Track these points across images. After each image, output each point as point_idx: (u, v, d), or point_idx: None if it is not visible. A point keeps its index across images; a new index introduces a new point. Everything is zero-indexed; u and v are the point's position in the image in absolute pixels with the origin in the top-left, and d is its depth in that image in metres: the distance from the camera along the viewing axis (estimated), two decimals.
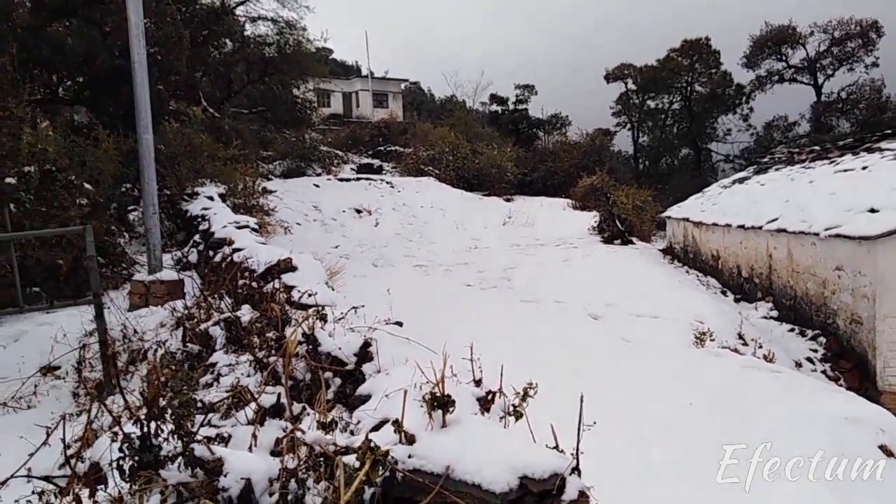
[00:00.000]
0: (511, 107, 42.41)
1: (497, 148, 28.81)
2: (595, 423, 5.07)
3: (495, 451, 2.76)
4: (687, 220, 15.85)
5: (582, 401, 2.81)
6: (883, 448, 5.11)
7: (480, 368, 3.63)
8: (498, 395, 3.43)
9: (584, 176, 25.19)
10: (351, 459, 2.56)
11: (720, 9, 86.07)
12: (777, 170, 15.22)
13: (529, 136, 41.01)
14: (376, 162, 28.50)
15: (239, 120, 18.42)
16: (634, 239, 17.24)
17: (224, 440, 3.13)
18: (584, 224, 18.64)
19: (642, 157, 42.33)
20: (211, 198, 9.71)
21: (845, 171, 11.51)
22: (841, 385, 8.39)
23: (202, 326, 4.76)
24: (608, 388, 6.03)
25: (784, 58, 35.75)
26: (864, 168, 11.02)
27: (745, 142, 38.05)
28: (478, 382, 3.58)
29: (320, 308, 4.38)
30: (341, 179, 21.62)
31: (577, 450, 2.78)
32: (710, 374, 6.68)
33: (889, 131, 12.86)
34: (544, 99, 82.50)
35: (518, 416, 3.38)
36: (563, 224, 19.55)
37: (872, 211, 8.80)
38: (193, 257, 7.80)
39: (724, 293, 12.52)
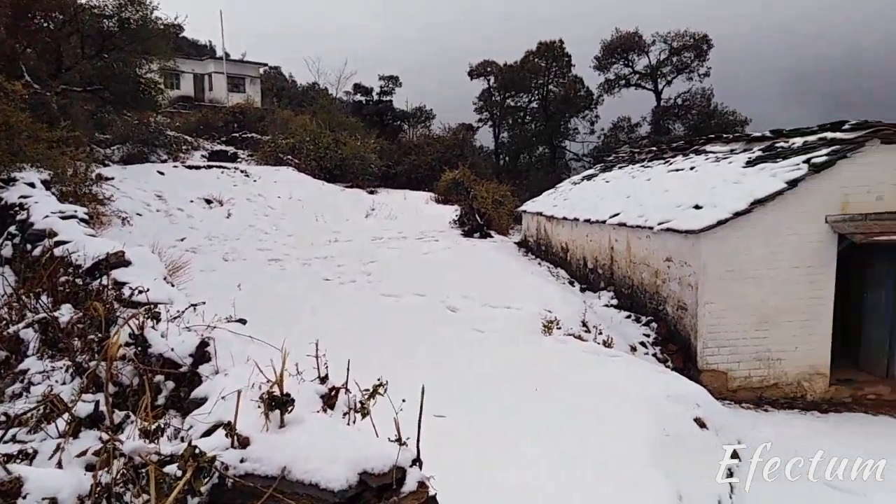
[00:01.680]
0: (375, 98, 42.21)
1: (361, 139, 28.52)
2: (445, 415, 5.18)
3: (336, 448, 2.70)
4: (540, 214, 16.68)
5: (423, 393, 2.82)
6: (697, 420, 5.69)
7: (326, 365, 3.54)
8: (343, 391, 3.36)
9: (446, 170, 25.65)
10: (176, 468, 2.38)
11: (584, 14, 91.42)
12: (620, 168, 16.45)
13: (394, 129, 41.08)
14: (230, 149, 27.05)
15: (71, 98, 16.60)
16: (493, 232, 17.85)
17: (29, 456, 2.79)
18: (446, 217, 18.99)
19: (503, 152, 43.96)
20: (32, 184, 8.64)
21: (677, 170, 12.68)
22: (668, 366, 9.26)
23: (11, 329, 4.22)
24: (462, 379, 6.17)
25: (630, 64, 38.77)
26: (691, 168, 12.20)
27: (594, 141, 40.83)
28: (323, 379, 3.49)
29: (152, 306, 4.04)
30: (190, 167, 20.28)
31: (418, 441, 2.80)
32: (554, 360, 7.06)
33: (713, 136, 14.36)
34: (409, 92, 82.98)
35: (364, 412, 3.34)
36: (426, 217, 19.79)
37: (697, 207, 9.76)
38: (8, 251, 6.91)
39: (571, 283, 13.34)
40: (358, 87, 42.88)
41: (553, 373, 6.60)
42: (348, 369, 3.42)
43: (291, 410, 2.85)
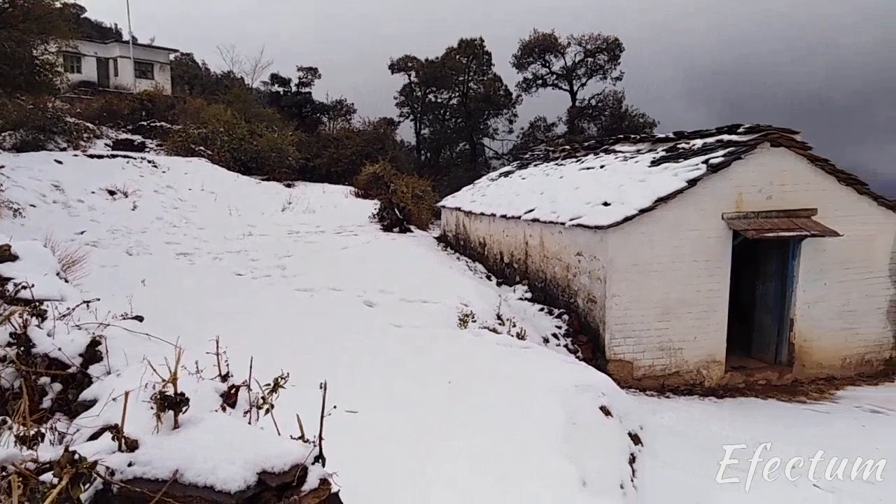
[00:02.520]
0: (294, 89, 41.21)
1: (278, 131, 27.79)
2: (357, 411, 5.14)
3: (235, 448, 2.62)
4: (459, 209, 16.85)
5: (324, 388, 2.79)
6: (603, 409, 5.92)
7: (227, 363, 3.43)
8: (244, 388, 3.27)
9: (367, 164, 25.44)
10: (52, 475, 2.24)
11: (501, 14, 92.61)
12: (536, 165, 16.86)
13: (313, 121, 40.29)
14: (137, 138, 25.68)
15: None
16: (413, 227, 17.87)
17: None
18: (366, 212, 18.84)
19: (424, 148, 44.06)
20: None
21: (588, 168, 13.12)
22: (579, 356, 9.59)
23: None
24: (377, 373, 6.14)
25: (547, 64, 39.75)
26: (601, 167, 12.66)
27: (513, 140, 41.64)
28: (224, 377, 3.38)
29: (38, 303, 3.78)
30: (92, 156, 19.08)
31: (320, 438, 2.76)
32: (469, 352, 7.16)
33: (622, 136, 14.95)
34: (329, 84, 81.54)
35: (267, 408, 3.27)
36: (345, 211, 19.55)
37: (606, 204, 10.14)
38: None
39: (488, 278, 13.56)
40: (275, 78, 41.75)
41: (467, 365, 6.68)
42: (251, 366, 3.33)
43: (186, 410, 2.74)
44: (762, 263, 10.77)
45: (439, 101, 42.36)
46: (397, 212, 17.24)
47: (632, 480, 5.33)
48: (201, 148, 24.09)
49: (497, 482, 4.14)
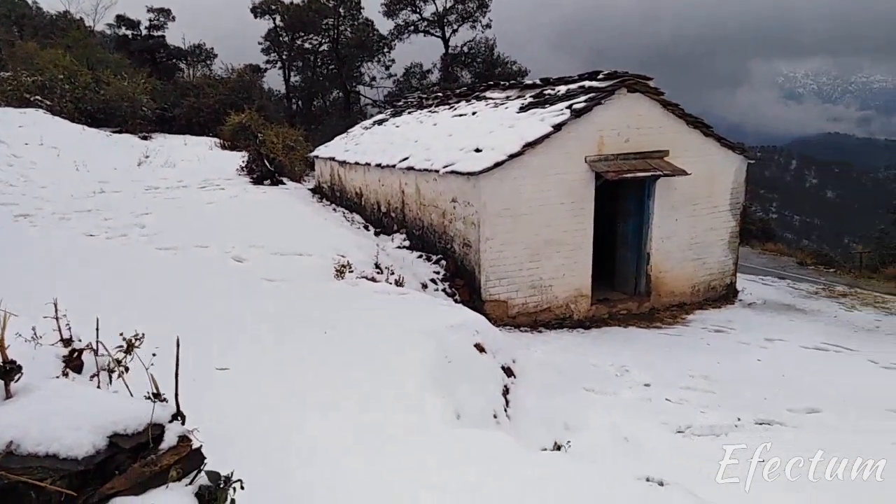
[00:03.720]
0: (144, 32, 37.64)
1: (128, 78, 25.37)
2: (228, 367, 4.95)
3: (79, 413, 2.43)
4: (333, 159, 16.42)
5: (178, 345, 2.63)
6: (477, 346, 6.13)
7: (69, 327, 3.15)
8: (89, 352, 3.02)
9: (232, 114, 23.99)
10: None
11: None
12: (410, 113, 16.71)
13: (169, 68, 37.24)
14: None
15: None
16: (285, 179, 17.21)
17: None
18: (234, 165, 17.83)
19: (295, 96, 42.20)
20: None
21: (460, 115, 13.20)
22: (456, 299, 9.84)
23: None
24: (249, 329, 5.93)
25: (418, 10, 39.05)
26: (473, 113, 12.78)
27: (389, 87, 40.86)
28: (67, 342, 3.10)
29: None
30: None
31: (176, 395, 2.63)
32: (346, 302, 7.10)
33: (492, 83, 15.13)
34: (185, 28, 75.10)
35: (120, 372, 3.05)
36: (210, 164, 18.40)
37: (477, 151, 10.28)
38: None
39: (366, 228, 13.44)
40: (122, 20, 37.84)
41: (344, 315, 6.63)
42: (97, 328, 3.08)
43: (19, 378, 2.49)
44: (622, 203, 11.49)
45: (308, 46, 40.47)
46: (267, 163, 16.49)
47: (505, 410, 5.60)
48: (38, 98, 21.50)
49: (373, 422, 4.18)
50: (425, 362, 5.36)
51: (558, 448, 5.25)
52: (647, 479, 3.62)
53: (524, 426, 5.66)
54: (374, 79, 40.38)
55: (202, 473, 2.56)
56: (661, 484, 3.52)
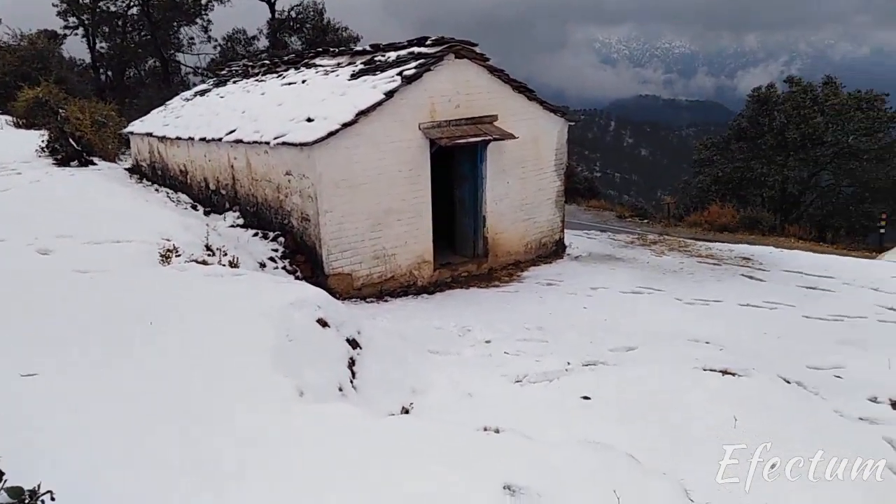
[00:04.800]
0: None
1: None
2: (38, 373, 4.44)
3: None
4: (151, 135, 15.08)
5: None
6: (320, 321, 6.05)
7: None
8: None
9: (25, 87, 21.06)
10: None
11: None
12: (235, 82, 15.75)
13: None
14: None
15: None
16: (96, 159, 15.50)
17: None
18: (32, 145, 15.72)
19: (103, 66, 37.95)
20: None
21: (290, 83, 12.69)
22: (298, 276, 9.60)
23: None
24: (59, 329, 5.33)
25: None
26: (303, 82, 12.34)
27: (212, 53, 38.10)
28: None
29: None
30: None
31: None
32: (173, 289, 6.63)
33: (321, 49, 14.68)
34: None
35: None
36: (2, 146, 16.08)
37: (309, 120, 9.97)
38: None
39: (194, 208, 12.58)
40: None
41: (172, 303, 6.19)
42: None
43: None
44: (457, 168, 11.81)
45: (114, 9, 36.38)
46: (73, 142, 14.74)
47: (352, 382, 5.60)
48: None
49: (212, 408, 3.99)
50: (265, 343, 5.18)
51: (406, 412, 5.37)
52: (485, 429, 3.82)
53: (372, 395, 5.71)
54: (192, 39, 37.17)
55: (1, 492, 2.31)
56: (497, 431, 3.73)
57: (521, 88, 11.66)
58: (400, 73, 10.12)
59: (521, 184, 12.10)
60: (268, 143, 10.21)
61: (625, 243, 15.17)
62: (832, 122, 24.23)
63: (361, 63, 11.80)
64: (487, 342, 7.70)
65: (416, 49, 10.99)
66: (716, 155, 27.88)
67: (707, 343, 7.67)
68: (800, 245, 18.04)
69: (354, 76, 11.03)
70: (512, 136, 11.04)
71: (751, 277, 11.34)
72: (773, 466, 4.56)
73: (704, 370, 6.38)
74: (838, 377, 6.55)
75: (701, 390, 5.75)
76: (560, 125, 12.54)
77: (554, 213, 12.95)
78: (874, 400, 5.92)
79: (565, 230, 13.65)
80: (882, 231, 21.02)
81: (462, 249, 12.19)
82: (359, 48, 13.11)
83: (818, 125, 24.23)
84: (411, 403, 5.24)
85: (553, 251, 13.05)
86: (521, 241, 12.41)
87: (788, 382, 6.12)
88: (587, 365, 6.73)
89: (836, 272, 11.52)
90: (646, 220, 23.77)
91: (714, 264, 12.44)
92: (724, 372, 6.28)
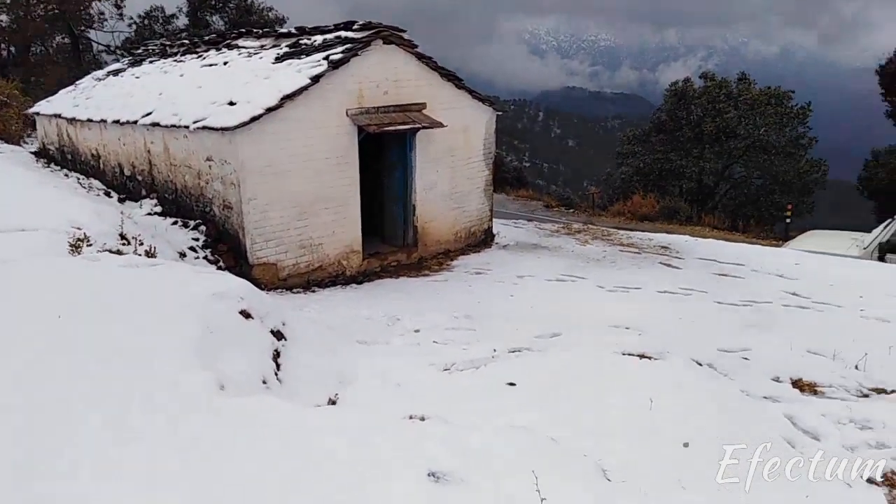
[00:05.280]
0: None
1: None
2: None
3: None
4: (60, 116, 14.18)
5: None
6: (243, 312, 5.88)
7: None
8: None
9: None
10: None
11: None
12: (151, 62, 15.01)
13: None
14: None
15: None
16: None
17: None
18: None
19: (4, 41, 35.24)
20: None
21: (210, 65, 12.21)
22: (221, 266, 9.31)
23: None
24: None
25: None
26: (225, 63, 11.90)
27: (125, 32, 36.08)
28: None
29: None
30: None
31: None
32: (84, 281, 6.28)
33: (244, 30, 14.18)
34: None
35: None
36: None
37: (231, 104, 9.63)
38: None
39: (108, 194, 11.95)
40: None
41: (82, 297, 5.86)
42: None
43: None
44: (386, 156, 11.72)
45: None
46: None
47: (276, 374, 5.49)
48: None
49: (127, 405, 3.82)
50: (184, 336, 4.99)
51: (333, 403, 5.32)
52: (410, 417, 3.83)
53: (298, 386, 5.61)
54: (102, 14, 34.93)
55: None
56: (422, 419, 3.75)
57: (449, 76, 11.67)
58: (326, 58, 9.91)
59: (451, 172, 12.15)
60: (187, 128, 9.80)
61: (551, 232, 15.51)
62: (745, 117, 25.53)
63: (286, 46, 11.48)
64: (416, 331, 7.71)
65: (343, 33, 10.79)
66: (637, 147, 28.87)
67: (627, 328, 7.98)
68: (714, 234, 19.00)
69: (279, 59, 10.72)
70: (441, 125, 11.05)
71: (668, 265, 11.85)
72: (685, 445, 4.82)
73: (623, 354, 6.63)
74: (746, 359, 6.95)
75: (620, 374, 5.98)
76: (489, 114, 12.65)
77: (483, 202, 13.08)
78: (777, 379, 6.34)
79: (494, 219, 13.83)
80: (788, 221, 22.40)
81: (392, 238, 12.13)
82: (284, 31, 12.74)
83: (732, 119, 25.48)
84: (337, 394, 5.19)
85: (482, 240, 13.20)
86: (451, 229, 12.48)
87: (700, 365, 6.44)
88: (513, 352, 6.85)
89: (746, 260, 12.19)
90: (572, 210, 24.40)
91: (635, 253, 12.92)
92: (642, 356, 6.55)
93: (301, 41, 11.45)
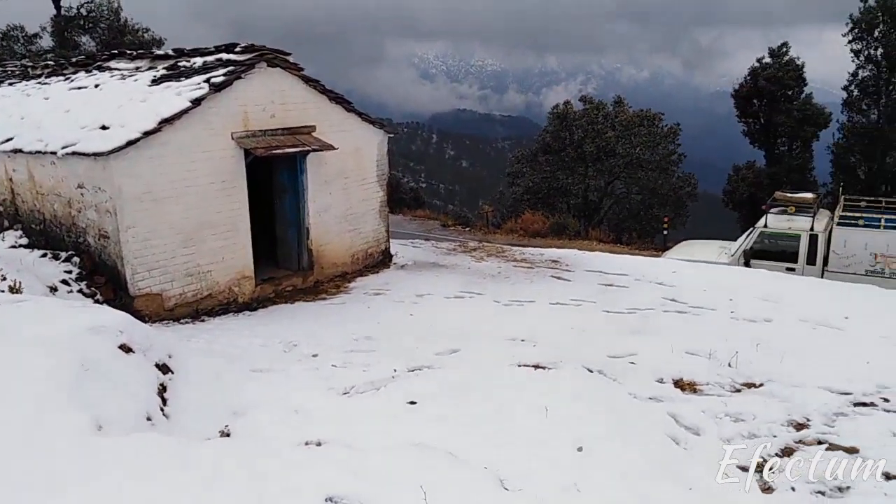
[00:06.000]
0: None
1: None
2: None
3: None
4: None
5: None
6: (123, 347, 5.51)
7: None
8: None
9: None
10: None
11: None
12: (12, 84, 13.86)
13: None
14: None
15: None
16: None
17: None
18: None
19: None
20: None
21: (80, 88, 11.46)
22: (98, 300, 8.67)
23: None
24: None
25: None
26: (96, 86, 11.21)
27: None
28: None
29: None
30: None
31: None
32: None
33: (116, 52, 13.44)
34: None
35: None
36: None
37: (104, 128, 9.07)
38: None
39: None
40: None
41: None
42: None
43: None
44: (277, 179, 11.46)
45: None
46: None
47: (162, 410, 5.17)
48: None
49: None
50: (55, 375, 4.59)
51: (227, 435, 5.07)
52: (307, 443, 3.73)
53: (187, 421, 5.31)
54: None
55: None
56: (318, 444, 3.66)
57: (338, 99, 11.63)
58: (208, 81, 9.58)
59: (345, 194, 12.06)
60: (54, 153, 9.11)
61: (448, 251, 15.74)
62: (622, 137, 27.29)
63: (164, 68, 10.98)
64: (314, 356, 7.53)
65: (224, 56, 10.48)
66: (526, 167, 30.03)
67: (523, 341, 8.20)
68: (601, 247, 20.05)
69: (156, 82, 10.23)
70: (331, 147, 10.96)
71: (559, 278, 12.35)
72: (579, 449, 5.00)
73: (520, 366, 6.82)
74: (632, 363, 7.34)
75: (517, 385, 6.13)
76: (380, 136, 12.71)
77: (379, 224, 13.07)
78: (661, 381, 6.74)
79: (392, 240, 13.83)
80: (665, 232, 24.06)
81: (286, 263, 11.82)
82: (161, 52, 12.20)
83: (610, 139, 27.15)
84: (227, 426, 4.95)
85: (380, 261, 13.15)
86: (348, 251, 12.35)
87: (591, 371, 6.73)
88: (413, 370, 6.85)
89: (630, 270, 12.95)
90: (468, 229, 24.92)
91: (528, 268, 13.36)
92: (537, 366, 6.77)
93: (180, 63, 11.00)
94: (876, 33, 23.85)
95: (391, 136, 13.19)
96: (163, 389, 5.62)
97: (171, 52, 11.67)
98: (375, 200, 12.90)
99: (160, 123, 8.76)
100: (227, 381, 6.44)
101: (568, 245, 19.53)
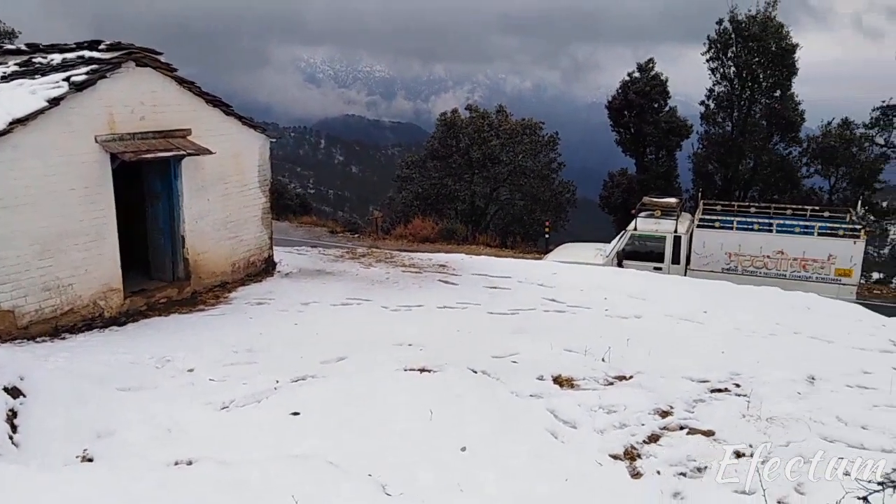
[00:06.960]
0: None
1: None
2: None
3: None
4: None
5: None
6: None
7: None
8: None
9: None
10: None
11: None
12: None
13: None
14: None
15: None
16: None
17: None
18: None
19: None
20: None
21: None
22: None
23: None
24: None
25: None
26: None
27: None
28: None
29: None
30: None
31: None
32: None
33: None
34: None
35: None
36: None
37: None
38: None
39: None
40: None
41: None
42: None
43: None
44: (149, 185, 10.79)
45: None
46: None
47: (11, 437, 4.71)
48: None
49: None
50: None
51: (89, 460, 4.70)
52: (176, 463, 3.54)
53: (42, 447, 4.87)
54: None
55: None
56: (189, 463, 3.48)
57: (216, 102, 11.15)
58: (68, 79, 8.85)
59: (224, 201, 11.56)
60: None
61: (335, 258, 15.52)
62: (506, 145, 28.20)
63: (15, 64, 10.03)
64: (190, 371, 7.17)
65: (87, 53, 9.74)
66: (415, 173, 30.27)
67: (409, 345, 8.25)
68: (487, 251, 20.56)
69: (5, 79, 9.31)
70: (208, 152, 10.49)
71: (446, 282, 12.55)
72: (463, 449, 5.11)
73: (406, 370, 6.87)
74: (515, 362, 7.60)
75: (402, 390, 6.17)
76: (261, 141, 12.32)
77: (261, 231, 12.64)
78: (541, 378, 7.02)
79: (276, 247, 13.43)
80: (547, 236, 25.13)
81: (159, 273, 11.14)
82: (12, 47, 11.14)
83: (495, 147, 27.98)
84: (85, 450, 4.59)
85: (263, 269, 12.73)
86: (228, 260, 11.84)
87: (476, 372, 6.90)
88: (297, 380, 6.70)
89: (513, 273, 13.40)
90: (357, 235, 24.71)
91: (416, 273, 13.47)
92: (423, 370, 6.85)
93: (34, 59, 10.08)
94: (730, 53, 26.30)
95: (273, 140, 12.82)
96: (13, 415, 5.12)
97: (23, 48, 10.68)
98: (257, 207, 12.48)
99: (11, 124, 7.99)
100: (91, 401, 5.96)
101: (456, 250, 19.89)
